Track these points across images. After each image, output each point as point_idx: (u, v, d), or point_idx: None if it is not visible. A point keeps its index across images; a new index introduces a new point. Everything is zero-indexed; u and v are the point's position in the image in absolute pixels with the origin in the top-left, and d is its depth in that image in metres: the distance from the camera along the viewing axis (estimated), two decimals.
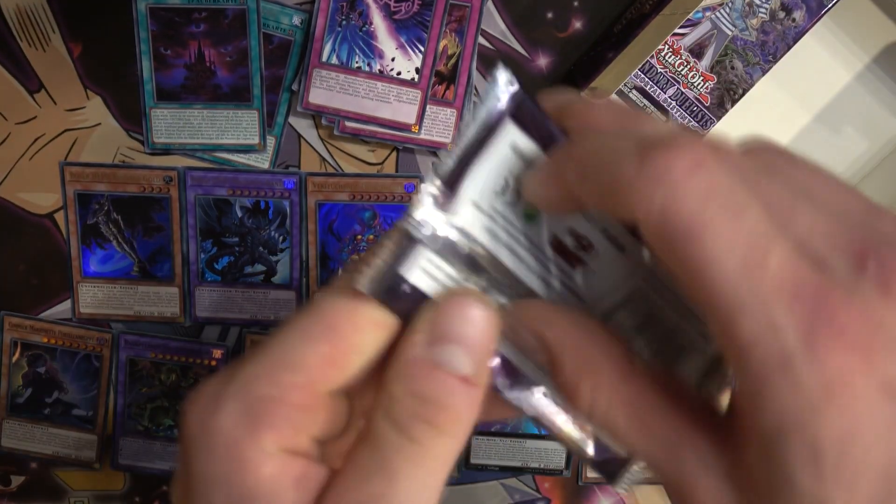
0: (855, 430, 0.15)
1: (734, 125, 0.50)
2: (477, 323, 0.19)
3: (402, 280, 0.20)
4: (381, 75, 0.50)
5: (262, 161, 0.51)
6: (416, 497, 0.19)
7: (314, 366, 0.19)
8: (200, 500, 0.19)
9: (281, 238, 0.53)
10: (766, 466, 0.16)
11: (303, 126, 0.51)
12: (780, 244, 0.16)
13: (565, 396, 0.20)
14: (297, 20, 0.49)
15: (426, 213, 0.20)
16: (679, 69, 0.49)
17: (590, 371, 0.19)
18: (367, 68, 0.49)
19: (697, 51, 0.48)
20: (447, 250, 0.20)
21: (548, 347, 0.20)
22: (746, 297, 0.16)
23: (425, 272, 0.20)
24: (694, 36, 0.48)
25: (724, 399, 0.21)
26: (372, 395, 0.20)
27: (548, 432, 0.22)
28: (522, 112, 0.20)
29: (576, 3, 0.49)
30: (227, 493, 0.19)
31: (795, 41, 0.48)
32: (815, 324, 0.15)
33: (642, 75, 0.49)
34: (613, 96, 0.49)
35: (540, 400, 0.21)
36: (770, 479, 0.16)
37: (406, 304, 0.20)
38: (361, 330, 0.20)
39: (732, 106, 0.49)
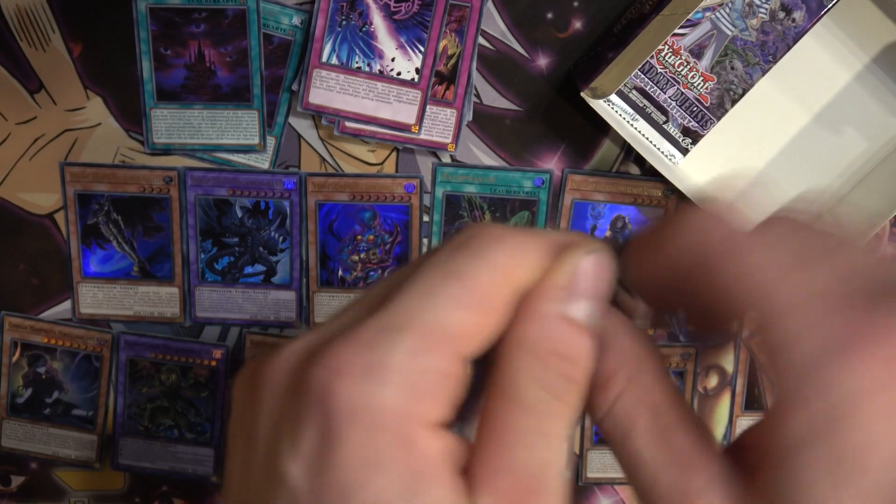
0: (876, 442, 0.15)
1: (734, 125, 0.50)
2: (606, 278, 0.20)
3: None
4: (381, 75, 0.50)
5: (262, 161, 0.52)
6: (567, 456, 0.19)
7: (465, 335, 0.19)
8: (356, 485, 0.17)
9: (281, 238, 0.53)
10: (782, 481, 0.16)
11: (303, 126, 0.51)
12: (822, 265, 0.17)
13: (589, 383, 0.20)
14: (297, 20, 0.49)
15: None
16: (679, 69, 0.49)
17: (633, 362, 0.20)
18: (367, 68, 0.49)
19: (697, 51, 0.48)
20: None
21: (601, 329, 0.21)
22: (787, 299, 0.17)
23: None
24: (694, 36, 0.48)
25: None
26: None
27: None
28: None
29: (576, 3, 0.49)
30: (393, 475, 0.17)
31: (795, 41, 0.48)
32: (851, 332, 0.16)
33: (642, 75, 0.49)
34: (614, 96, 0.49)
35: None
36: (784, 493, 0.16)
37: None
38: (508, 299, 0.20)
39: (732, 106, 0.49)
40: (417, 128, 0.50)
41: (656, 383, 0.20)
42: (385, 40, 0.49)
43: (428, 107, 0.50)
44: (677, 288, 0.20)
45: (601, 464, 0.57)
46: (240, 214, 0.52)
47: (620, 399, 0.20)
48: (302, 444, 0.18)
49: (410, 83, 0.50)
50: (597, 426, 0.20)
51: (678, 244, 0.20)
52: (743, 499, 0.18)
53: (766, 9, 0.47)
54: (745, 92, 0.49)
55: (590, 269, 0.20)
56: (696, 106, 0.49)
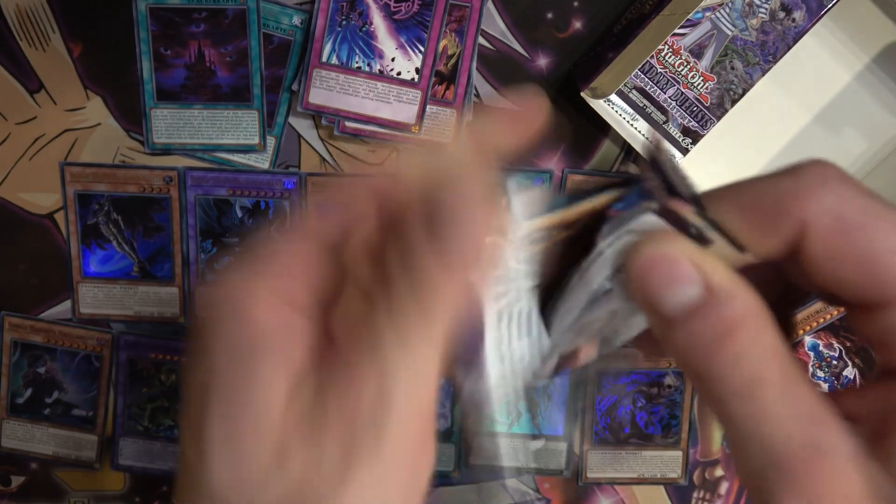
0: None
1: (734, 125, 0.50)
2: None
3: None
4: (381, 75, 0.50)
5: (262, 161, 0.52)
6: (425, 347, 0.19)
7: (306, 225, 0.21)
8: (204, 352, 0.19)
9: None
10: None
11: (303, 126, 0.51)
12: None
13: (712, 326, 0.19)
14: (297, 20, 0.49)
15: None
16: (679, 69, 0.49)
17: (761, 311, 0.19)
18: (367, 68, 0.49)
19: (697, 51, 0.48)
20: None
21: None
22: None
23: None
24: (694, 36, 0.48)
25: None
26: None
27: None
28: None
29: (576, 3, 0.49)
30: (226, 342, 0.19)
31: (795, 41, 0.48)
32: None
33: (642, 75, 0.49)
34: (614, 97, 0.49)
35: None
36: None
37: None
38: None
39: (732, 106, 0.49)
40: (417, 128, 0.50)
41: (780, 334, 0.19)
42: (385, 40, 0.49)
43: (428, 107, 0.50)
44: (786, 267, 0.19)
45: (601, 464, 0.57)
46: (240, 214, 0.52)
47: (753, 348, 0.18)
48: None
49: (410, 83, 0.50)
50: (721, 383, 0.18)
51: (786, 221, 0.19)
52: (872, 464, 0.17)
53: (766, 9, 0.47)
54: (745, 92, 0.49)
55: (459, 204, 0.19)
56: (696, 106, 0.49)
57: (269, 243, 0.21)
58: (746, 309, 0.18)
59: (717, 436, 0.58)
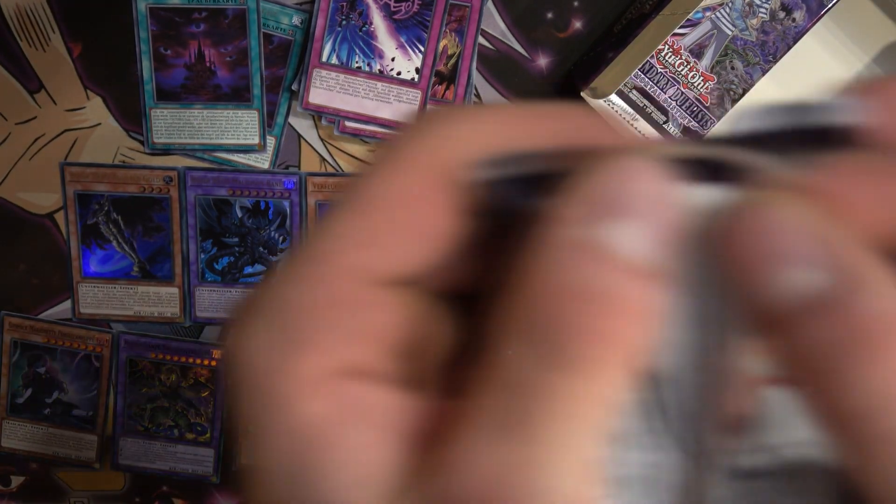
0: None
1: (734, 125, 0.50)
2: (658, 193, 0.12)
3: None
4: (381, 75, 0.50)
5: (262, 161, 0.52)
6: (571, 467, 0.12)
7: (356, 248, 0.13)
8: (258, 463, 0.13)
9: (281, 238, 0.53)
10: None
11: (303, 126, 0.51)
12: None
13: None
14: (297, 20, 0.49)
15: None
16: (679, 69, 0.49)
17: None
18: (367, 68, 0.49)
19: (697, 51, 0.48)
20: None
21: None
22: None
23: None
24: (694, 36, 0.48)
25: None
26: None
27: None
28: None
29: (576, 3, 0.49)
30: (274, 449, 0.13)
31: (795, 41, 0.48)
32: None
33: (642, 75, 0.49)
34: (614, 96, 0.49)
35: None
36: None
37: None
38: (438, 187, 0.14)
39: (732, 106, 0.49)
40: None
41: None
42: (385, 40, 0.49)
43: (428, 107, 0.50)
44: None
45: None
46: (240, 214, 0.52)
47: None
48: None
49: (410, 83, 0.50)
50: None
51: None
52: None
53: (767, 9, 0.47)
54: (745, 92, 0.49)
55: (644, 177, 0.12)
56: (696, 106, 0.49)
57: (311, 284, 0.13)
58: None
59: None
